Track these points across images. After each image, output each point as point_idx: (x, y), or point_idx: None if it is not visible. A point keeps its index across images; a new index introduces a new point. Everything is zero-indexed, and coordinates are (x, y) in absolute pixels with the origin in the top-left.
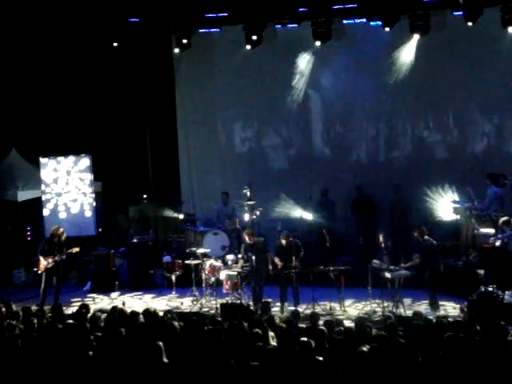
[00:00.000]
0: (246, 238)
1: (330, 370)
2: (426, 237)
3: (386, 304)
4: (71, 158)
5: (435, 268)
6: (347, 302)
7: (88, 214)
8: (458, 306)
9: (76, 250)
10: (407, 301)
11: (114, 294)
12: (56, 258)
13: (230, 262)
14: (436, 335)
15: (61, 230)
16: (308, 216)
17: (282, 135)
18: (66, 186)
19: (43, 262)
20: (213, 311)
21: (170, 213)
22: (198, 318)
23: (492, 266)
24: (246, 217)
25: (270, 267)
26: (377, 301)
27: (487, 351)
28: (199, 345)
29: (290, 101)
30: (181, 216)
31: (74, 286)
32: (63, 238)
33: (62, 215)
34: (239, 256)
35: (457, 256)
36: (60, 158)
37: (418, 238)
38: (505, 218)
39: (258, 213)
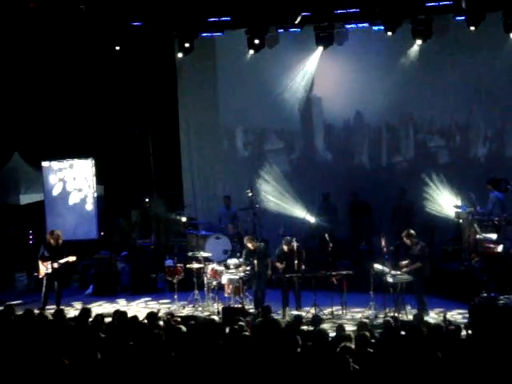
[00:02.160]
0: (249, 245)
1: (333, 373)
2: (416, 240)
3: (387, 309)
4: (74, 162)
5: (424, 273)
6: (349, 307)
7: (90, 217)
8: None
9: (72, 259)
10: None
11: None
12: (54, 265)
13: (231, 266)
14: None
15: (56, 233)
16: (311, 218)
17: (284, 139)
18: (68, 190)
19: (42, 268)
20: (214, 315)
21: (172, 215)
22: (200, 323)
23: (494, 271)
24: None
25: (269, 272)
26: (378, 305)
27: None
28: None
29: (292, 105)
30: (183, 219)
31: (76, 289)
32: (60, 241)
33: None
34: (241, 260)
35: (459, 261)
36: (62, 162)
37: (409, 242)
38: None
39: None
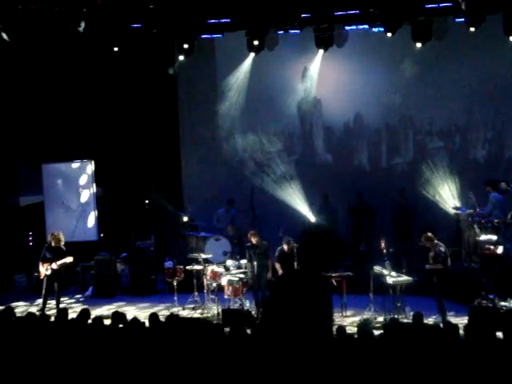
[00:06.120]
0: (252, 239)
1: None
2: (435, 242)
3: (387, 310)
4: (73, 164)
5: (445, 273)
6: (349, 308)
7: (90, 219)
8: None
9: (70, 260)
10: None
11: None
12: (52, 267)
13: (231, 268)
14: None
15: (58, 234)
16: (311, 219)
17: (284, 141)
18: (68, 192)
19: (42, 270)
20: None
21: (171, 208)
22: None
23: (493, 273)
24: None
25: (269, 274)
26: (378, 307)
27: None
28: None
29: (291, 106)
30: (185, 218)
31: (76, 291)
32: (61, 243)
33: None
34: (244, 261)
35: (458, 262)
36: (62, 164)
37: (428, 245)
38: None
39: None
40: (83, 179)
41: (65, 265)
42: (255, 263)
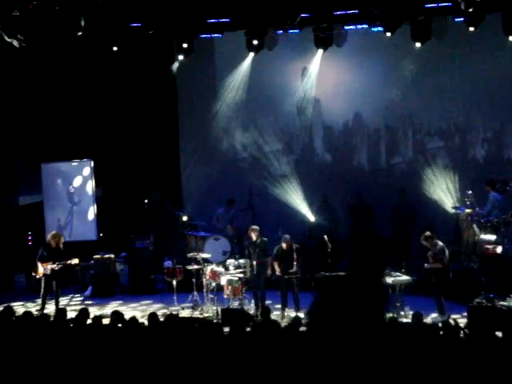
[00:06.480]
0: (252, 235)
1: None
2: (435, 241)
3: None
4: (73, 163)
5: (444, 272)
6: None
7: (89, 219)
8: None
9: (75, 261)
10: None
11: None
12: (54, 267)
13: (231, 267)
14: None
15: (57, 235)
16: (310, 218)
17: (283, 140)
18: (67, 191)
19: (41, 269)
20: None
21: (171, 207)
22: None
23: (493, 273)
24: None
25: (269, 271)
26: None
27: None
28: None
29: (291, 106)
30: (184, 218)
31: (76, 291)
32: (61, 244)
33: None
34: (243, 261)
35: (458, 262)
36: (61, 163)
37: (427, 244)
38: None
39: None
40: (82, 178)
41: (69, 266)
42: (254, 262)
